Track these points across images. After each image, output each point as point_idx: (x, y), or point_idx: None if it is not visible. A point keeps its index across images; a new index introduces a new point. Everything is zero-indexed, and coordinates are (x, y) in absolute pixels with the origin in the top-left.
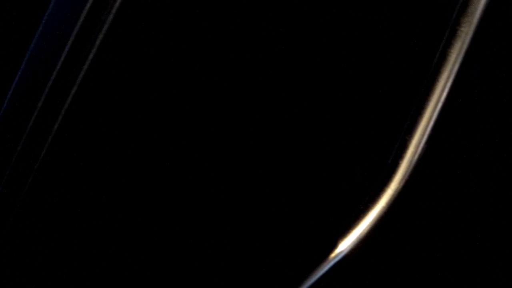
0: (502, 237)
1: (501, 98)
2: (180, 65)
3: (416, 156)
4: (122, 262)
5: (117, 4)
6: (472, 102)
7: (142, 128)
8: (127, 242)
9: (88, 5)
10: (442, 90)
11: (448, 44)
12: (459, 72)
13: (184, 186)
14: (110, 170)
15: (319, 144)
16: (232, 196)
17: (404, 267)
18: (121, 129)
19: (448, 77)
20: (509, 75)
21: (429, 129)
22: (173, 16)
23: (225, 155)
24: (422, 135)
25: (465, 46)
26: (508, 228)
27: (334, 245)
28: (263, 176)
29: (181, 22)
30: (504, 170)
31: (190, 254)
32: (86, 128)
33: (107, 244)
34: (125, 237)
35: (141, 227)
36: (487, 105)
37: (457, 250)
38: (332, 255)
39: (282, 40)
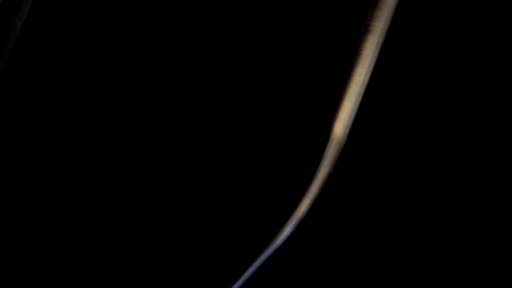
0: (458, 236)
1: (459, 96)
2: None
3: (338, 150)
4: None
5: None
6: (430, 100)
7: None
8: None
9: None
10: (359, 85)
11: (362, 40)
12: (376, 67)
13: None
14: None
15: (241, 143)
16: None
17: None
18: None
19: (363, 72)
20: (467, 73)
21: (349, 123)
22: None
23: (145, 155)
24: (344, 128)
25: (379, 41)
26: (464, 227)
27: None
28: (187, 176)
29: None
30: (462, 168)
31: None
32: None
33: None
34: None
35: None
36: (444, 104)
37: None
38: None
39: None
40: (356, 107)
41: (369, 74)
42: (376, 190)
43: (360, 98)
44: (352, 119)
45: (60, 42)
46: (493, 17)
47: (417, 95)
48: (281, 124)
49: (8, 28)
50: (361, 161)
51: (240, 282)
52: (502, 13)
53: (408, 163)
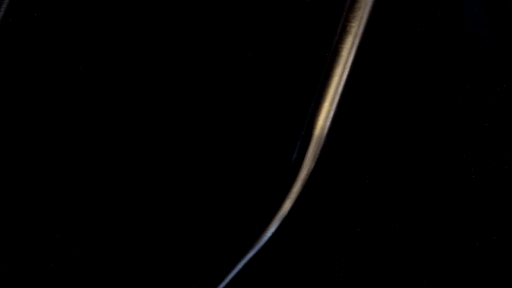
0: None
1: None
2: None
3: (318, 150)
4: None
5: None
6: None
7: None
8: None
9: None
10: (338, 85)
11: (340, 40)
12: (354, 66)
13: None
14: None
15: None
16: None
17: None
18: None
19: (342, 73)
20: (444, 71)
21: (329, 122)
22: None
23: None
24: (324, 128)
25: (356, 41)
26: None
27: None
28: (173, 177)
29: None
30: (440, 165)
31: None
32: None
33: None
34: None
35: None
36: (421, 101)
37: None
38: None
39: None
40: (335, 107)
41: (347, 73)
42: (357, 188)
43: (339, 98)
44: (331, 119)
45: (40, 38)
46: (465, 18)
47: (395, 94)
48: (261, 126)
49: None
50: (341, 159)
51: (227, 279)
52: (475, 13)
53: (387, 160)
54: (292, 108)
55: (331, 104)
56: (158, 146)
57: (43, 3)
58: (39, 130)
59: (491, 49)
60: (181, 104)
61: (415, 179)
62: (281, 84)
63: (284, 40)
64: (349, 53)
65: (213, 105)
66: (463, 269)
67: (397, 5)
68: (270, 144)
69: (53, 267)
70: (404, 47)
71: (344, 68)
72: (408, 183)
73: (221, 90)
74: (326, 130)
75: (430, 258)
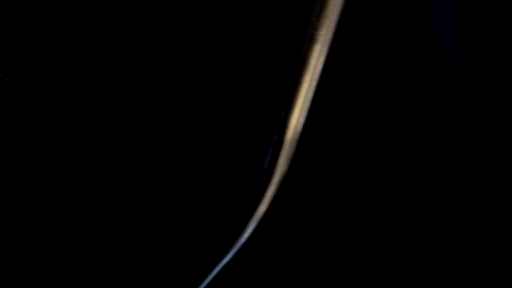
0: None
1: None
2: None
3: (290, 155)
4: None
5: None
6: (375, 103)
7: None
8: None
9: None
10: (307, 92)
11: (307, 48)
12: (322, 75)
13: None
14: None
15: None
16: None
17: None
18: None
19: (311, 79)
20: (412, 76)
21: (300, 128)
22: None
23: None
24: (294, 134)
25: (324, 49)
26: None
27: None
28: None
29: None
30: (406, 168)
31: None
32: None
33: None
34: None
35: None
36: (390, 105)
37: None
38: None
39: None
40: (305, 113)
41: (316, 81)
42: (328, 190)
43: (308, 104)
44: (302, 125)
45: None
46: (432, 22)
47: (364, 99)
48: (234, 133)
49: None
50: (312, 163)
51: (208, 279)
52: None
53: (357, 164)
54: (263, 115)
55: (300, 111)
56: (132, 153)
57: (43, 3)
58: (39, 130)
59: (463, 59)
60: (158, 110)
61: (388, 182)
62: (252, 91)
63: (253, 49)
64: (317, 60)
65: (185, 112)
66: (426, 268)
67: (366, 12)
68: (243, 151)
69: (47, 265)
70: (375, 53)
71: (313, 75)
72: (382, 186)
73: (194, 98)
74: (297, 135)
75: (401, 266)
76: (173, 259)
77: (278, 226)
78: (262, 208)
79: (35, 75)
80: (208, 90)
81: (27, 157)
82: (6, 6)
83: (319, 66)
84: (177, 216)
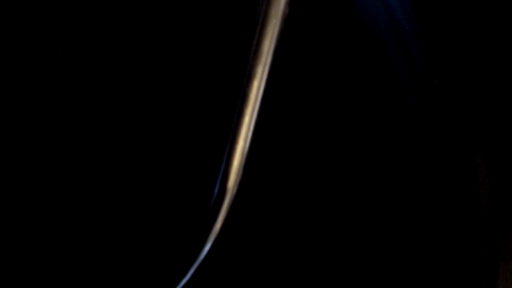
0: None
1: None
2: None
3: (238, 181)
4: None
5: None
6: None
7: None
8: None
9: None
10: (248, 126)
11: (247, 84)
12: (261, 109)
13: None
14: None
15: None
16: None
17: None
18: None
19: (252, 112)
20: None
21: (244, 159)
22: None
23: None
24: (239, 162)
25: (261, 85)
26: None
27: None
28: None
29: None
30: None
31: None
32: None
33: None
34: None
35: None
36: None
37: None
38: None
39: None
40: (249, 143)
41: (257, 113)
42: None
43: (251, 134)
44: (247, 152)
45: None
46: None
47: (301, 130)
48: (185, 163)
49: None
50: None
51: None
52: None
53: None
54: (212, 144)
55: (245, 141)
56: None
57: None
58: (38, 130)
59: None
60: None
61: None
62: (196, 127)
63: (197, 81)
64: (256, 96)
65: (132, 135)
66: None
67: (298, 49)
68: (194, 178)
69: (42, 263)
70: (307, 86)
71: (253, 108)
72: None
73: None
74: (243, 161)
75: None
76: (131, 282)
77: (235, 240)
78: (219, 223)
79: (35, 75)
80: (159, 125)
81: (23, 155)
82: (5, 6)
83: (259, 99)
84: (136, 236)
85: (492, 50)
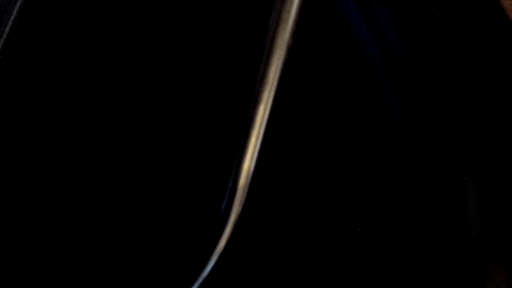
0: None
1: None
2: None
3: (243, 199)
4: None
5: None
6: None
7: None
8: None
9: None
10: (255, 145)
11: (253, 109)
12: (267, 132)
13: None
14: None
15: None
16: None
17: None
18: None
19: (257, 135)
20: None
21: (249, 178)
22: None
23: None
24: (245, 181)
25: (267, 109)
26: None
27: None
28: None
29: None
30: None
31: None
32: None
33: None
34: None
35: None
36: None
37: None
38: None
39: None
40: (254, 163)
41: (261, 138)
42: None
43: (257, 154)
44: (252, 172)
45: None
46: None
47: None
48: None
49: None
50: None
51: None
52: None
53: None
54: (220, 164)
55: (250, 160)
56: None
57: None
58: (38, 130)
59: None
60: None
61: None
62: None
63: (204, 108)
64: (262, 119)
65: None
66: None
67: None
68: (202, 196)
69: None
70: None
71: (259, 131)
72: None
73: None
74: (249, 180)
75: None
76: None
77: (239, 258)
78: (223, 241)
79: (35, 75)
80: (168, 141)
81: (22, 155)
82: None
83: (264, 122)
84: (141, 251)
85: (478, 69)
